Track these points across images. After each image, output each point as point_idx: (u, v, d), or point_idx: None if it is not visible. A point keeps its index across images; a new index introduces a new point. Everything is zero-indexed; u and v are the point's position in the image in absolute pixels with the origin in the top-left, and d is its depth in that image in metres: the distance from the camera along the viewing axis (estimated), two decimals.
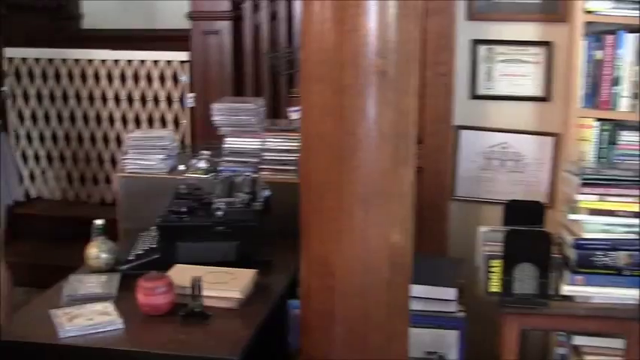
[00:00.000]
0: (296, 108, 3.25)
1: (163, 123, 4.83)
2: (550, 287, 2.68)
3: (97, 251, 2.76)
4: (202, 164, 3.28)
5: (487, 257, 2.73)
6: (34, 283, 4.48)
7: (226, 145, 3.30)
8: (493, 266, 2.71)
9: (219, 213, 2.67)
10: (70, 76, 4.95)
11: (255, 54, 4.49)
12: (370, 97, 2.00)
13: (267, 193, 2.81)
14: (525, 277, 2.66)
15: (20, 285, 4.37)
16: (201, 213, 2.73)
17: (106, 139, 4.98)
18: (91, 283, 2.61)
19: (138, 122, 4.87)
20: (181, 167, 3.31)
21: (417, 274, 2.23)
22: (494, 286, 2.72)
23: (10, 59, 4.93)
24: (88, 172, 5.07)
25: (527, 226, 2.74)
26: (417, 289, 2.41)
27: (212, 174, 3.20)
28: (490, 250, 2.75)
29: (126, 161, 3.34)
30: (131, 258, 2.75)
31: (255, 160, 3.24)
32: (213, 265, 2.58)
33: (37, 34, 5.34)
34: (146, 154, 3.32)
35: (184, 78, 4.64)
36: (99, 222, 2.81)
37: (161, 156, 3.32)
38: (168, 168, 3.32)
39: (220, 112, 3.28)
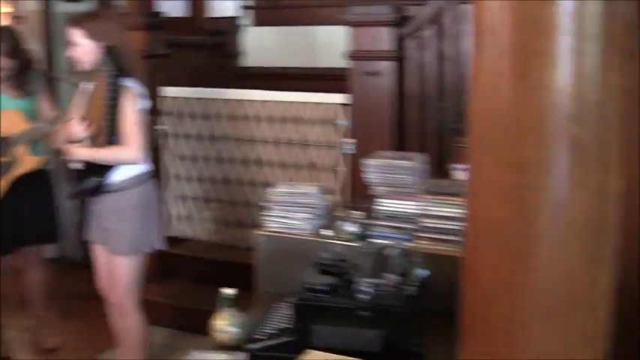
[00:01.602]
0: (462, 165, 2.78)
1: (319, 170, 4.48)
2: None
3: (224, 324, 2.43)
4: (351, 228, 2.87)
5: None
6: (175, 325, 4.34)
7: (379, 207, 2.88)
8: None
9: (364, 297, 2.24)
10: (220, 116, 4.72)
11: (421, 98, 4.04)
12: (559, 176, 1.51)
13: (423, 273, 2.35)
14: None
15: (161, 325, 4.23)
16: (344, 292, 2.31)
17: (254, 183, 4.70)
18: None
19: (291, 167, 4.56)
20: (326, 232, 2.91)
21: None
22: None
23: (164, 97, 4.77)
24: (236, 215, 4.81)
25: None
26: None
27: (361, 242, 2.77)
28: None
29: (267, 218, 3.00)
30: (261, 337, 2.38)
31: (411, 226, 2.79)
32: (354, 354, 2.15)
33: (197, 72, 5.18)
34: (290, 212, 2.97)
35: (343, 122, 4.27)
36: (229, 291, 2.48)
37: (306, 215, 2.95)
38: (314, 229, 2.94)
39: (375, 169, 2.87)
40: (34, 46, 5.49)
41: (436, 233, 2.73)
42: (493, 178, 1.57)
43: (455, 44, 3.88)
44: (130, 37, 3.50)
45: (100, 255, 3.44)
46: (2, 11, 6.12)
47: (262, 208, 3.07)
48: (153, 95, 3.97)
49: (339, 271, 2.40)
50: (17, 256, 4.03)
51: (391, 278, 2.28)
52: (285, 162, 4.58)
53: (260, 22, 5.86)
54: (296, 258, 2.78)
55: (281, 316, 2.49)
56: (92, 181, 3.29)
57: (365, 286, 2.25)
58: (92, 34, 3.22)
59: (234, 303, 2.45)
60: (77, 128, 3.28)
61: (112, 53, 3.20)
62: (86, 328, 4.45)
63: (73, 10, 5.54)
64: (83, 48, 3.24)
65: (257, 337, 2.38)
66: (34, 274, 4.15)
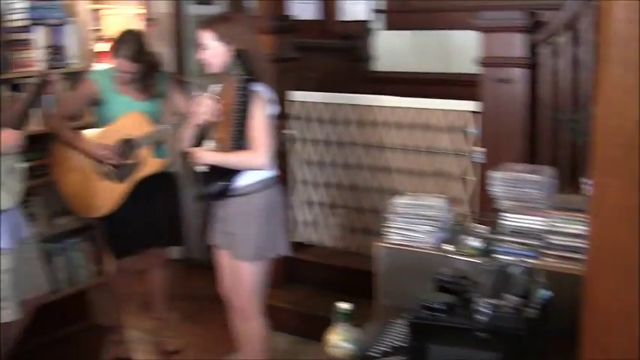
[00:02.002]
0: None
1: (448, 178, 4.37)
2: None
3: (339, 339, 2.38)
4: (475, 243, 2.77)
5: None
6: (297, 331, 4.34)
7: (505, 222, 2.76)
8: None
9: (482, 318, 2.14)
10: (349, 121, 4.69)
11: (553, 107, 3.86)
12: None
13: (546, 295, 2.23)
14: None
15: (284, 331, 4.23)
16: (462, 312, 2.22)
17: (381, 190, 4.64)
18: None
19: (420, 174, 4.46)
20: (449, 246, 2.82)
21: None
22: None
23: (292, 102, 4.78)
24: (362, 222, 4.76)
25: None
26: None
27: (484, 257, 2.66)
28: None
29: (389, 230, 2.94)
30: (375, 354, 2.33)
31: (538, 243, 2.66)
32: None
33: (327, 76, 5.17)
34: (412, 224, 2.90)
35: (473, 130, 4.14)
36: (344, 306, 2.43)
37: (429, 228, 2.88)
38: (436, 242, 2.86)
39: (501, 182, 2.76)
40: (164, 48, 5.65)
41: (563, 251, 2.59)
42: (617, 201, 1.46)
43: (591, 51, 3.67)
44: (260, 40, 3.50)
45: (224, 259, 3.47)
46: (133, 13, 6.33)
47: (385, 218, 3.01)
48: (281, 99, 3.98)
49: (459, 288, 2.30)
50: (141, 257, 4.12)
51: (512, 299, 2.17)
52: (413, 169, 4.49)
53: (391, 26, 5.78)
54: (416, 271, 2.72)
55: (397, 333, 2.42)
56: (218, 185, 3.30)
57: (484, 306, 2.15)
58: (223, 37, 3.22)
59: (350, 318, 2.40)
60: (205, 104, 3.26)
61: (241, 57, 3.17)
62: (208, 332, 4.50)
63: (204, 12, 5.64)
64: (213, 50, 3.24)
65: (371, 354, 2.33)
66: (157, 276, 4.24)
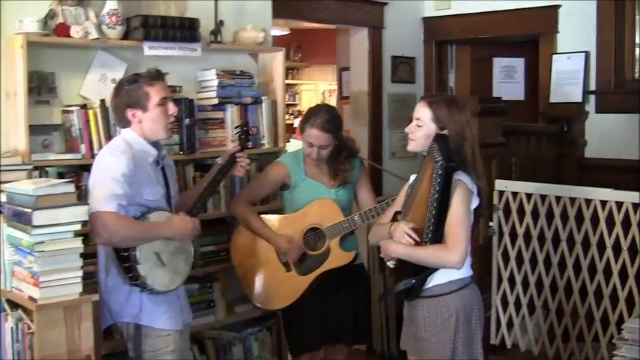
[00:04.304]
0: None
1: None
2: None
3: None
4: None
5: None
6: None
7: None
8: None
9: None
10: (564, 215, 4.15)
11: None
12: None
13: None
14: None
15: None
16: None
17: (599, 294, 4.03)
18: None
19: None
20: None
21: None
22: None
23: (502, 192, 4.32)
24: (562, 326, 4.23)
25: None
26: None
27: None
28: None
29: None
30: None
31: None
32: None
33: (535, 162, 4.72)
34: None
35: None
36: None
37: None
38: None
39: None
40: (359, 128, 5.47)
41: None
42: None
43: None
44: (474, 127, 3.15)
45: None
46: (329, 89, 6.21)
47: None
48: (488, 187, 3.54)
49: None
50: (325, 353, 3.83)
51: None
52: (626, 272, 3.88)
53: (603, 108, 5.29)
54: None
55: None
56: (407, 282, 2.96)
57: None
58: (439, 119, 2.95)
59: None
60: (401, 230, 2.97)
61: (446, 141, 2.87)
62: None
63: (402, 91, 5.44)
64: (427, 129, 2.96)
65: None
66: None
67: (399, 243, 2.94)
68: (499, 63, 6.04)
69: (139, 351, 3.09)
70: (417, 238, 2.87)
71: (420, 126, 2.99)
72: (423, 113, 2.99)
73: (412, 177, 3.06)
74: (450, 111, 2.96)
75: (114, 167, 2.94)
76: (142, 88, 3.04)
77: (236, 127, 3.75)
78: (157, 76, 3.10)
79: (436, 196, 2.83)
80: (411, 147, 3.04)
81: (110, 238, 2.90)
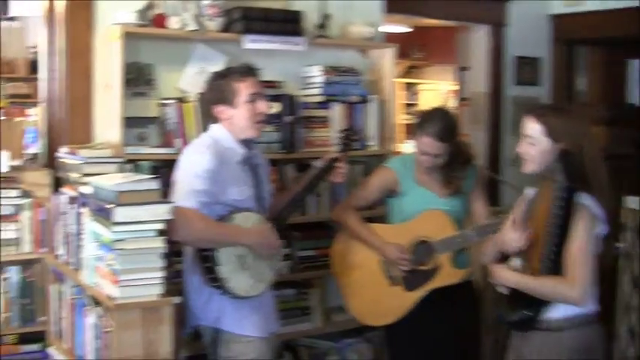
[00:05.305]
0: None
1: None
2: None
3: None
4: None
5: None
6: None
7: None
8: None
9: None
10: None
11: None
12: None
13: None
14: None
15: None
16: None
17: None
18: None
19: None
20: None
21: None
22: None
23: (626, 209, 3.94)
24: None
25: None
26: None
27: None
28: None
29: None
30: None
31: None
32: None
33: None
34: None
35: None
36: None
37: None
38: None
39: None
40: (477, 132, 5.17)
41: None
42: None
43: None
44: (596, 139, 2.81)
45: None
46: (447, 90, 5.96)
47: None
48: (613, 205, 3.16)
49: None
50: None
51: None
52: None
53: None
54: None
55: None
56: (520, 314, 2.67)
57: None
58: (552, 132, 2.64)
59: None
60: (513, 236, 2.69)
61: (567, 159, 2.58)
62: None
63: (525, 94, 5.08)
64: (539, 147, 2.66)
65: None
66: None
67: (513, 271, 2.68)
68: (634, 65, 5.59)
69: (219, 356, 2.98)
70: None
71: (531, 144, 2.70)
72: (532, 129, 2.68)
73: (528, 191, 2.77)
74: (562, 122, 2.64)
75: (197, 163, 2.84)
76: (230, 84, 2.91)
77: (341, 131, 3.56)
78: (248, 71, 2.96)
79: (556, 220, 2.54)
80: (528, 168, 2.72)
81: (187, 236, 2.80)
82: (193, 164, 2.84)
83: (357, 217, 3.48)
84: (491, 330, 3.25)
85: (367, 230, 3.44)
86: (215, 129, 2.98)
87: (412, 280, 3.36)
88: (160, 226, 2.62)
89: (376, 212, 3.71)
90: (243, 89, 2.90)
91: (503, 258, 2.76)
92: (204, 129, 3.27)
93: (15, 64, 7.12)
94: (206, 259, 2.83)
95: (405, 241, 3.37)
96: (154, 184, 2.65)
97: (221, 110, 2.93)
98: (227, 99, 2.91)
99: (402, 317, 3.37)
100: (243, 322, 2.93)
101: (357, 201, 3.53)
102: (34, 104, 4.43)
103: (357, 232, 3.44)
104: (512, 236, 2.69)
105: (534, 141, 2.68)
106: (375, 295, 3.44)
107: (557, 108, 2.83)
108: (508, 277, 2.69)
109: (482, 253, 2.97)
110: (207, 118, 3.04)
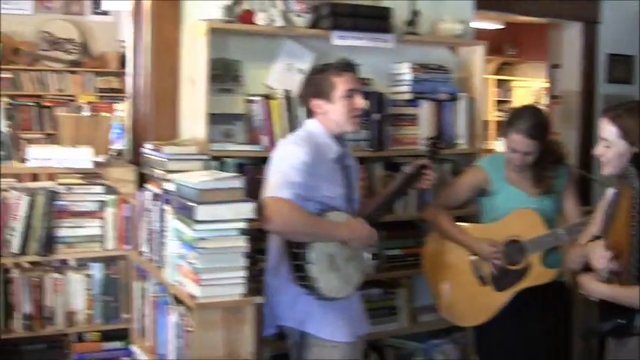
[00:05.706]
0: None
1: None
2: None
3: None
4: None
5: None
6: None
7: None
8: None
9: None
10: None
11: None
12: None
13: None
14: None
15: None
16: None
17: None
18: None
19: None
20: None
21: None
22: None
23: None
24: None
25: None
26: None
27: None
28: None
29: None
30: None
31: None
32: None
33: None
34: None
35: None
36: None
37: None
38: None
39: None
40: (569, 131, 4.99)
41: None
42: None
43: None
44: None
45: None
46: (540, 88, 5.76)
47: None
48: None
49: None
50: None
51: None
52: None
53: None
54: None
55: None
56: (615, 323, 2.54)
57: None
58: (628, 134, 2.53)
59: None
60: (599, 254, 2.55)
61: None
62: None
63: (619, 92, 4.87)
64: (615, 149, 2.56)
65: None
66: None
67: (601, 283, 2.55)
68: None
69: (302, 359, 2.92)
70: (617, 268, 2.46)
71: (607, 147, 2.57)
72: (607, 131, 2.56)
73: (609, 191, 2.65)
74: (637, 123, 2.52)
75: (294, 155, 2.77)
76: (328, 78, 2.87)
77: (428, 139, 3.47)
78: (346, 66, 2.91)
79: (637, 225, 2.41)
80: (606, 171, 2.62)
81: (282, 225, 2.72)
82: (290, 156, 2.78)
83: (448, 217, 3.42)
84: (581, 333, 3.10)
85: (458, 229, 3.38)
86: (310, 123, 2.93)
87: (502, 280, 3.28)
88: (242, 224, 2.56)
89: (467, 211, 3.63)
90: (340, 84, 2.86)
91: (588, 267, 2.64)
92: (293, 126, 3.24)
93: (106, 58, 7.23)
94: (296, 257, 2.75)
95: (496, 240, 3.29)
96: (237, 183, 2.60)
97: (318, 104, 2.88)
98: (324, 93, 2.87)
99: (492, 318, 3.28)
100: (330, 326, 2.87)
101: (447, 200, 3.47)
102: (123, 99, 4.48)
103: (448, 231, 3.39)
104: (599, 254, 2.57)
105: (610, 144, 2.58)
106: (464, 295, 3.38)
107: (631, 108, 2.68)
108: (596, 289, 2.57)
109: (568, 260, 2.88)
110: (307, 113, 2.99)
